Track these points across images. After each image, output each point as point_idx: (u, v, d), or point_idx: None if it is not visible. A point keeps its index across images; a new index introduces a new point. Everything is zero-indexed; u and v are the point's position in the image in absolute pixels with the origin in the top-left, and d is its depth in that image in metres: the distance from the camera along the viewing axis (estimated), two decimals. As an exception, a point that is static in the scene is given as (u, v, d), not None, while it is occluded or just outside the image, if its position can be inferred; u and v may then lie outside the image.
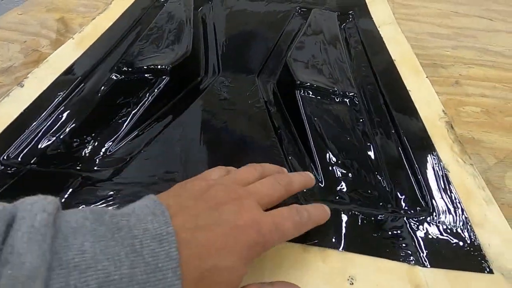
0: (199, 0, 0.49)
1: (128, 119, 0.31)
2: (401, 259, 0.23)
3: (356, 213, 0.25)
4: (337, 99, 0.34)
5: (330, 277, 0.22)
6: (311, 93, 0.34)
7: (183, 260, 0.15)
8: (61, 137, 0.29)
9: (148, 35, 0.40)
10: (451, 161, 0.29)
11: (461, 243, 0.24)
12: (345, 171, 0.28)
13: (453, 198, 0.26)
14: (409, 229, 0.25)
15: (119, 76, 0.35)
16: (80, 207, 0.17)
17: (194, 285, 0.16)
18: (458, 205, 0.26)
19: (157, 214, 0.17)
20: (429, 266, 0.23)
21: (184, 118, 0.32)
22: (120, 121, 0.31)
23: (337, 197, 0.26)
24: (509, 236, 0.24)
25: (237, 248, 0.17)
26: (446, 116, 0.33)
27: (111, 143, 0.29)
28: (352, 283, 0.21)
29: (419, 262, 0.23)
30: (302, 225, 0.21)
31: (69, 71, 0.36)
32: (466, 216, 0.25)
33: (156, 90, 0.33)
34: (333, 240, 0.23)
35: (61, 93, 0.33)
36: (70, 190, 0.25)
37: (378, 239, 0.24)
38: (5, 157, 0.27)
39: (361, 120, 0.32)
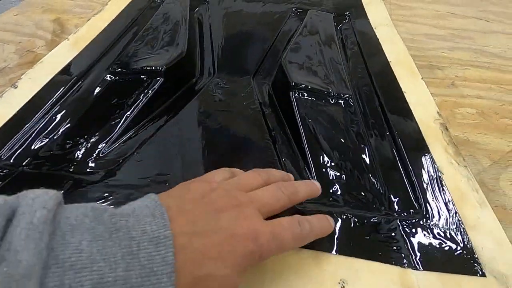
0: (195, 1, 0.49)
1: (122, 121, 0.31)
2: (393, 262, 0.23)
3: (349, 216, 0.25)
4: (332, 100, 0.34)
5: (321, 280, 0.21)
6: (305, 94, 0.33)
7: (178, 265, 0.15)
8: (54, 138, 0.29)
9: (143, 36, 0.40)
10: (445, 163, 0.29)
11: (454, 246, 0.24)
12: (339, 173, 0.28)
13: (447, 200, 0.26)
14: (402, 231, 0.24)
15: (113, 77, 0.35)
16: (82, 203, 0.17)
17: None
18: (452, 207, 0.26)
19: (156, 216, 0.17)
20: (421, 269, 0.23)
21: (178, 119, 0.32)
22: (114, 122, 0.31)
23: (331, 199, 0.26)
24: (502, 239, 0.24)
25: (233, 257, 0.17)
26: (440, 117, 0.33)
27: (104, 144, 0.29)
28: (343, 287, 0.21)
29: (411, 265, 0.23)
30: (302, 237, 0.20)
31: (64, 72, 0.36)
32: (460, 218, 0.25)
33: (150, 91, 0.33)
34: (326, 243, 0.23)
35: (55, 94, 0.33)
36: (62, 192, 0.25)
37: (370, 242, 0.24)
38: (-3, 159, 0.27)
39: (355, 122, 0.32)
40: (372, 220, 0.25)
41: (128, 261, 0.15)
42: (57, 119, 0.31)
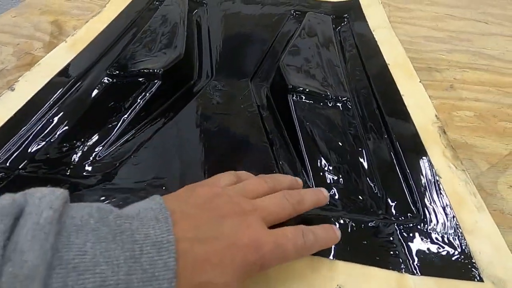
0: (194, 3, 0.49)
1: (119, 124, 0.31)
2: (391, 267, 0.23)
3: (347, 220, 0.25)
4: (329, 103, 0.34)
5: (318, 285, 0.21)
6: (303, 97, 0.33)
7: (178, 271, 0.15)
8: (51, 141, 0.29)
9: (141, 38, 0.40)
10: (443, 166, 0.29)
11: (451, 251, 0.24)
12: (336, 177, 0.28)
13: (445, 204, 0.26)
14: (400, 236, 0.24)
15: (111, 79, 0.35)
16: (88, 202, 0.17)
17: None
18: (449, 212, 0.26)
19: (160, 220, 0.17)
20: (419, 274, 0.22)
21: (175, 122, 0.32)
22: (111, 125, 0.31)
23: (328, 203, 0.26)
24: (500, 244, 0.24)
25: (233, 266, 0.17)
26: (438, 121, 0.33)
27: (100, 148, 0.29)
28: (340, 292, 0.21)
29: (409, 270, 0.23)
30: (305, 249, 0.20)
31: (61, 74, 0.36)
32: (457, 223, 0.25)
33: (148, 94, 0.33)
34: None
35: (52, 97, 0.33)
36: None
37: (368, 246, 0.24)
38: (-7, 162, 0.27)
39: (353, 125, 0.32)
40: (369, 225, 0.25)
41: (130, 265, 0.15)
42: (54, 122, 0.30)
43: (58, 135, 0.29)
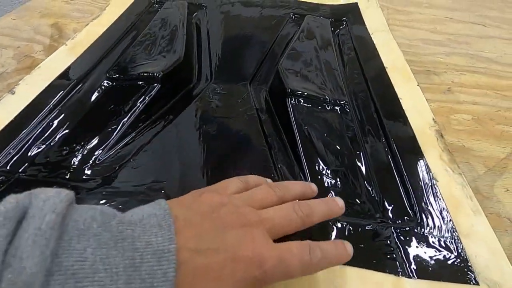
0: (194, 6, 0.49)
1: (119, 127, 0.31)
2: (387, 270, 0.23)
3: (344, 223, 0.25)
4: (328, 107, 0.34)
5: (315, 289, 0.22)
6: (302, 101, 0.34)
7: (177, 281, 0.15)
8: (51, 145, 0.29)
9: (141, 41, 0.40)
10: (440, 170, 0.29)
11: (448, 254, 0.24)
12: (334, 180, 0.28)
13: (441, 208, 0.26)
14: (397, 239, 0.25)
15: (110, 83, 0.35)
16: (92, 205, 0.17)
17: None
18: (446, 215, 0.26)
19: (163, 227, 0.17)
20: (415, 277, 0.23)
21: (174, 126, 0.32)
22: (110, 129, 0.31)
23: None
24: (496, 248, 0.24)
25: (233, 280, 0.17)
26: (436, 124, 0.33)
27: (100, 151, 0.29)
28: (337, 295, 0.21)
29: (405, 273, 0.23)
30: (311, 266, 0.19)
31: (61, 78, 0.36)
32: (454, 226, 0.25)
33: (147, 98, 0.33)
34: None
35: (52, 100, 0.33)
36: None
37: (365, 250, 0.24)
38: (-6, 166, 0.27)
39: (351, 128, 0.32)
40: (366, 228, 0.25)
41: (129, 274, 0.15)
42: (54, 125, 0.31)
43: (58, 138, 0.30)
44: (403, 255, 0.24)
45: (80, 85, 0.35)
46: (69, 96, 0.34)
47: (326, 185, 0.28)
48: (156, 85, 0.34)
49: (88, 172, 0.27)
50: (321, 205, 0.22)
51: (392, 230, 0.25)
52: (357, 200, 0.27)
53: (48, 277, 0.13)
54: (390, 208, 0.27)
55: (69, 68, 0.37)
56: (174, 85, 0.36)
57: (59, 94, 0.34)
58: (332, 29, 0.47)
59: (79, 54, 0.39)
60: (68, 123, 0.31)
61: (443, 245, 0.24)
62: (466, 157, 0.32)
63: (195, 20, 0.47)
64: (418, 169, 0.29)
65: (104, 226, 0.16)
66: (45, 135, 0.30)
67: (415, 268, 0.23)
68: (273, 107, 0.35)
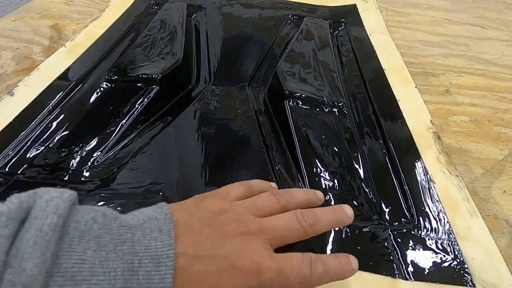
0: (193, 7, 0.50)
1: (117, 129, 0.31)
2: (384, 272, 0.23)
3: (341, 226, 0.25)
4: (326, 108, 0.34)
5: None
6: (300, 102, 0.34)
7: (174, 287, 0.15)
8: (50, 146, 0.29)
9: (140, 43, 0.40)
10: (437, 172, 0.29)
11: (444, 256, 0.24)
12: (331, 182, 0.28)
13: (438, 210, 0.27)
14: (393, 241, 0.25)
15: (109, 85, 0.35)
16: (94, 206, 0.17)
17: None
18: (443, 217, 0.26)
19: (163, 231, 0.17)
20: (412, 279, 0.23)
21: (173, 127, 0.33)
22: (109, 130, 0.31)
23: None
24: (492, 250, 0.24)
25: None
26: (433, 126, 0.33)
27: (99, 153, 0.29)
28: (334, 297, 0.21)
29: (402, 275, 0.23)
30: (311, 280, 0.18)
31: (60, 79, 0.36)
32: (451, 228, 0.25)
33: (146, 99, 0.34)
34: (316, 253, 0.23)
35: (50, 102, 0.33)
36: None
37: (362, 251, 0.24)
38: (-8, 167, 0.27)
39: (349, 130, 0.33)
40: (364, 230, 0.25)
41: (127, 278, 0.15)
42: (53, 127, 0.31)
43: (57, 140, 0.30)
44: (400, 257, 0.24)
45: (79, 87, 0.35)
46: (68, 97, 0.34)
47: (323, 186, 0.28)
48: (155, 87, 0.34)
49: (86, 173, 0.27)
50: (327, 214, 0.21)
51: (389, 232, 0.25)
52: (354, 202, 0.27)
53: (47, 278, 0.14)
54: (387, 210, 0.27)
55: (68, 69, 0.37)
56: (173, 87, 0.36)
57: (58, 96, 0.34)
58: (331, 30, 0.47)
59: (78, 55, 0.39)
60: (67, 124, 0.31)
61: (440, 247, 0.24)
62: (464, 159, 0.32)
63: (194, 22, 0.48)
64: (416, 171, 0.29)
65: (105, 228, 0.16)
66: (44, 136, 0.30)
67: (412, 270, 0.23)
68: (271, 108, 0.35)
